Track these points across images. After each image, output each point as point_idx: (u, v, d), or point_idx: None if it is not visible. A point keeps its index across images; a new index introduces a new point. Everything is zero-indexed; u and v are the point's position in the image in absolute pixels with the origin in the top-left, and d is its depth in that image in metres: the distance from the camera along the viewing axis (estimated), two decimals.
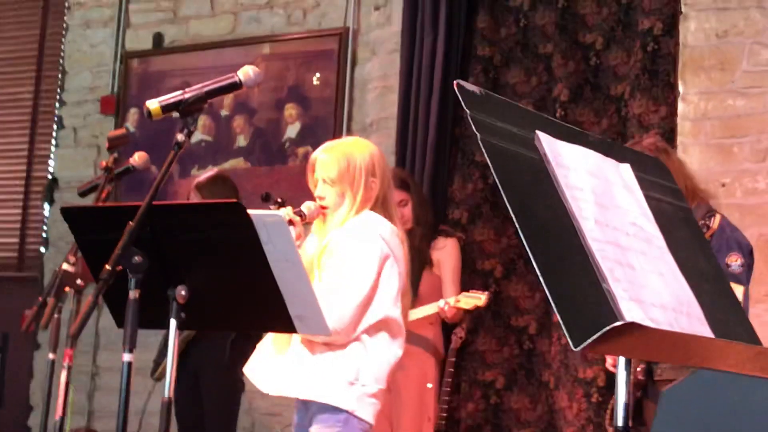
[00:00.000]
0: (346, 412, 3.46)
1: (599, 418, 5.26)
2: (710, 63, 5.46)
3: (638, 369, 4.13)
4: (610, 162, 1.91)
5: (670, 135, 5.33)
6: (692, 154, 5.35)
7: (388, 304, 3.55)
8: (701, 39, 5.50)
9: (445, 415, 5.31)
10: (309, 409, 3.56)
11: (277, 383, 3.55)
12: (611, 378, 5.19)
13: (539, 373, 5.74)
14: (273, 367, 3.57)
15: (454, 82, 1.72)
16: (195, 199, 5.16)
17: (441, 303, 5.02)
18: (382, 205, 3.66)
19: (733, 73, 5.41)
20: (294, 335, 3.51)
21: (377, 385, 3.52)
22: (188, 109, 2.91)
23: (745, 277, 4.05)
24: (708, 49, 5.48)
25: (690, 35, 5.51)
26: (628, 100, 5.53)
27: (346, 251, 3.52)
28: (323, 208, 3.64)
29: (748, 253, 4.11)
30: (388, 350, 3.56)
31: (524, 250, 5.48)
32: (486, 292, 5.02)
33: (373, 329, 3.53)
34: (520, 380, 5.79)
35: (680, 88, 5.48)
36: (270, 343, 3.62)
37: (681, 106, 5.47)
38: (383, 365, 3.55)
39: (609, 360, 4.29)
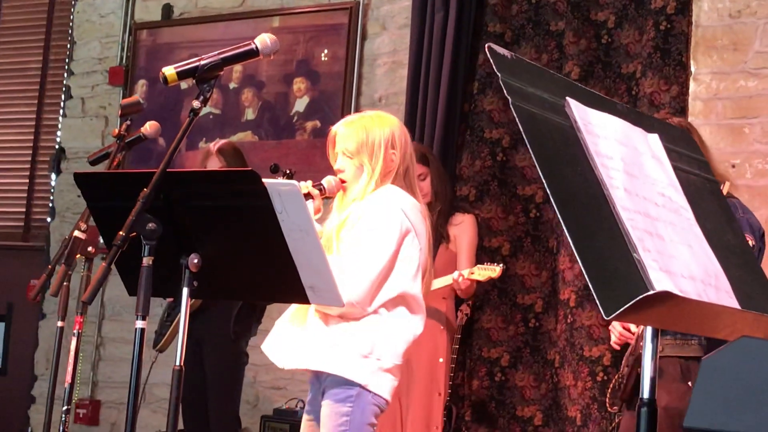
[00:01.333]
0: (359, 386, 3.43)
1: (604, 396, 5.25)
2: (723, 43, 5.44)
3: (640, 344, 4.11)
4: (638, 131, 1.89)
5: (681, 114, 5.30)
6: (703, 134, 5.29)
7: (406, 279, 3.51)
8: (714, 18, 5.48)
9: (449, 391, 5.32)
10: (322, 383, 3.53)
11: (291, 357, 3.52)
12: (617, 357, 5.19)
13: (545, 351, 5.74)
14: (288, 341, 3.54)
15: (486, 45, 1.70)
16: (216, 163, 5.12)
17: (455, 274, 5.01)
18: (404, 179, 3.63)
19: (746, 54, 5.38)
20: (310, 309, 3.49)
21: (393, 360, 3.48)
22: (204, 76, 2.88)
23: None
24: (721, 28, 5.46)
25: (703, 15, 5.49)
26: (640, 79, 5.50)
27: (365, 224, 3.49)
28: (342, 181, 3.62)
29: (760, 237, 4.09)
30: (406, 325, 3.53)
31: (531, 228, 5.53)
32: (501, 265, 5.02)
33: (391, 304, 3.49)
34: (525, 358, 5.79)
35: (692, 68, 5.46)
36: (287, 320, 3.60)
37: (692, 86, 5.45)
38: (400, 340, 3.51)
39: (613, 338, 4.27)
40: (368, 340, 3.45)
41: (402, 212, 3.51)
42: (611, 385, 4.26)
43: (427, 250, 3.62)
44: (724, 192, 4.03)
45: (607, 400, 4.33)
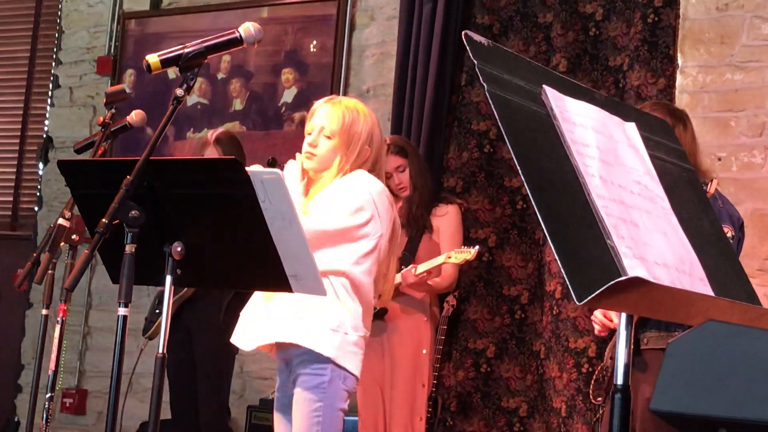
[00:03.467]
0: (330, 361, 3.45)
1: (589, 388, 5.27)
2: (710, 36, 5.45)
3: None
4: (615, 120, 1.90)
5: None
6: None
7: (348, 260, 3.53)
8: (701, 12, 5.49)
9: (434, 381, 5.33)
10: (292, 368, 3.55)
11: (257, 335, 3.55)
12: (602, 348, 5.21)
13: (530, 343, 5.76)
14: (253, 322, 3.58)
15: (463, 32, 1.71)
16: (213, 153, 5.11)
17: (443, 257, 5.06)
18: (371, 171, 3.65)
19: (733, 47, 5.40)
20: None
21: (356, 333, 3.51)
22: (188, 64, 2.89)
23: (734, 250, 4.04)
24: (708, 22, 5.47)
25: (690, 7, 5.50)
26: (627, 72, 5.52)
27: (335, 194, 3.54)
28: (310, 154, 3.63)
29: (739, 227, 4.10)
30: (356, 300, 3.55)
31: (518, 220, 5.55)
32: (476, 247, 5.05)
33: (339, 281, 3.51)
34: (511, 349, 5.81)
35: (679, 61, 5.47)
36: (248, 308, 3.62)
37: (679, 79, 5.46)
38: (357, 313, 3.53)
39: (597, 327, 4.28)
40: (335, 314, 3.47)
41: (369, 195, 3.53)
42: (594, 377, 4.27)
43: (389, 235, 3.63)
44: (712, 190, 4.04)
45: (591, 391, 4.34)
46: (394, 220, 3.67)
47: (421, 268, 5.04)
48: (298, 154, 3.68)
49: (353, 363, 3.51)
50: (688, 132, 4.17)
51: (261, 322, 3.55)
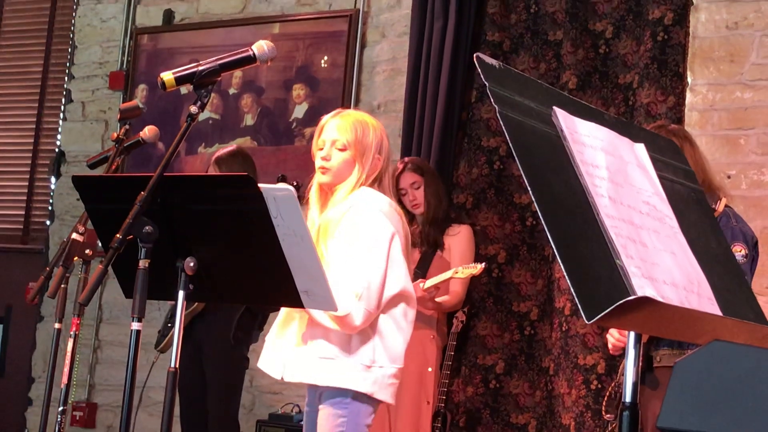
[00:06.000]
0: (351, 393, 3.45)
1: (598, 405, 5.29)
2: (719, 54, 5.47)
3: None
4: (625, 141, 1.93)
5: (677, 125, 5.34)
6: (699, 144, 5.34)
7: (403, 277, 3.53)
8: (711, 30, 5.51)
9: (443, 398, 5.35)
10: (319, 389, 3.56)
11: (292, 370, 3.53)
12: (611, 365, 5.22)
13: (539, 359, 5.77)
14: (286, 354, 3.55)
15: (474, 55, 1.73)
16: (214, 173, 5.15)
17: (449, 272, 5.08)
18: (379, 184, 3.64)
19: (742, 65, 5.42)
20: (299, 322, 3.53)
21: (394, 365, 3.51)
22: (202, 81, 2.92)
23: (748, 268, 4.04)
24: (718, 40, 5.50)
25: (700, 26, 5.53)
26: (637, 89, 5.54)
27: (353, 235, 3.50)
28: (324, 169, 3.61)
29: (753, 246, 4.11)
30: (402, 327, 3.54)
31: (528, 236, 5.57)
32: (483, 263, 5.08)
33: (389, 305, 3.51)
34: (520, 365, 5.82)
35: (689, 79, 5.49)
36: (276, 334, 3.62)
37: (689, 97, 5.48)
38: (399, 342, 3.53)
39: (610, 345, 4.29)
40: (368, 349, 3.47)
41: (383, 215, 3.52)
42: (607, 393, 4.28)
43: (403, 245, 3.61)
44: (722, 206, 4.06)
45: (603, 407, 4.35)
46: (405, 233, 3.66)
47: (429, 282, 5.07)
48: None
49: (387, 393, 3.51)
50: (695, 150, 4.19)
51: (295, 358, 3.53)
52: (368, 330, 3.47)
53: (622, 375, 4.17)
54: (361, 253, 3.47)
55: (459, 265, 5.24)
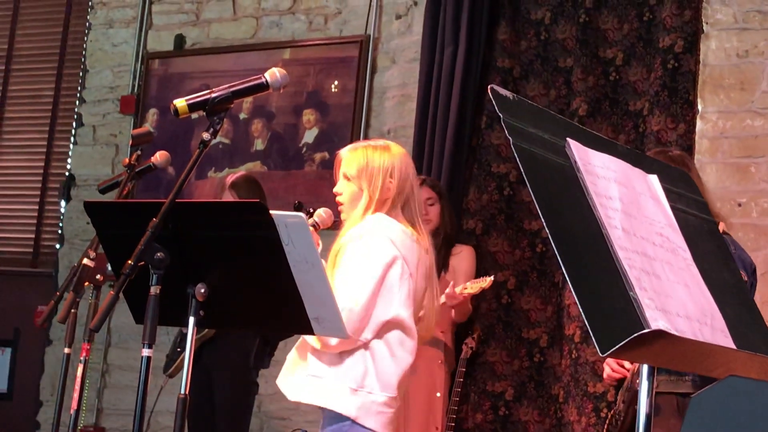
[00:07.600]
0: (349, 419, 3.43)
1: None
2: (730, 82, 5.48)
3: (636, 380, 4.13)
4: (638, 172, 1.93)
5: (687, 153, 5.33)
6: (709, 172, 5.36)
7: (396, 305, 3.49)
8: (722, 58, 5.52)
9: (452, 424, 5.33)
10: (323, 411, 3.55)
11: (290, 389, 3.55)
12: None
13: (549, 386, 5.75)
14: (291, 373, 3.57)
15: (489, 87, 1.74)
16: (229, 197, 5.14)
17: (448, 289, 5.06)
18: (402, 210, 3.64)
19: (753, 93, 5.42)
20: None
21: (384, 393, 3.47)
22: (214, 108, 2.93)
23: None
24: (728, 68, 5.50)
25: (711, 54, 5.53)
26: (647, 117, 5.54)
27: (349, 257, 3.51)
28: (339, 203, 3.68)
29: (752, 272, 4.12)
30: (397, 355, 3.51)
31: (537, 262, 5.56)
32: (491, 276, 5.08)
33: (384, 331, 3.49)
34: (530, 392, 5.80)
35: (699, 106, 5.49)
36: (293, 353, 3.62)
37: (699, 124, 5.48)
38: (393, 371, 3.50)
39: (605, 375, 4.29)
40: (358, 372, 3.45)
41: (389, 240, 3.51)
42: (608, 421, 4.27)
43: (419, 276, 3.60)
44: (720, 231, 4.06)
45: None
46: (421, 260, 3.63)
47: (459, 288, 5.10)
48: (321, 210, 3.76)
49: (377, 422, 3.46)
50: (693, 174, 4.20)
51: (294, 377, 3.55)
52: (362, 353, 3.46)
53: (622, 402, 4.17)
54: (350, 275, 3.46)
55: (462, 283, 5.25)
